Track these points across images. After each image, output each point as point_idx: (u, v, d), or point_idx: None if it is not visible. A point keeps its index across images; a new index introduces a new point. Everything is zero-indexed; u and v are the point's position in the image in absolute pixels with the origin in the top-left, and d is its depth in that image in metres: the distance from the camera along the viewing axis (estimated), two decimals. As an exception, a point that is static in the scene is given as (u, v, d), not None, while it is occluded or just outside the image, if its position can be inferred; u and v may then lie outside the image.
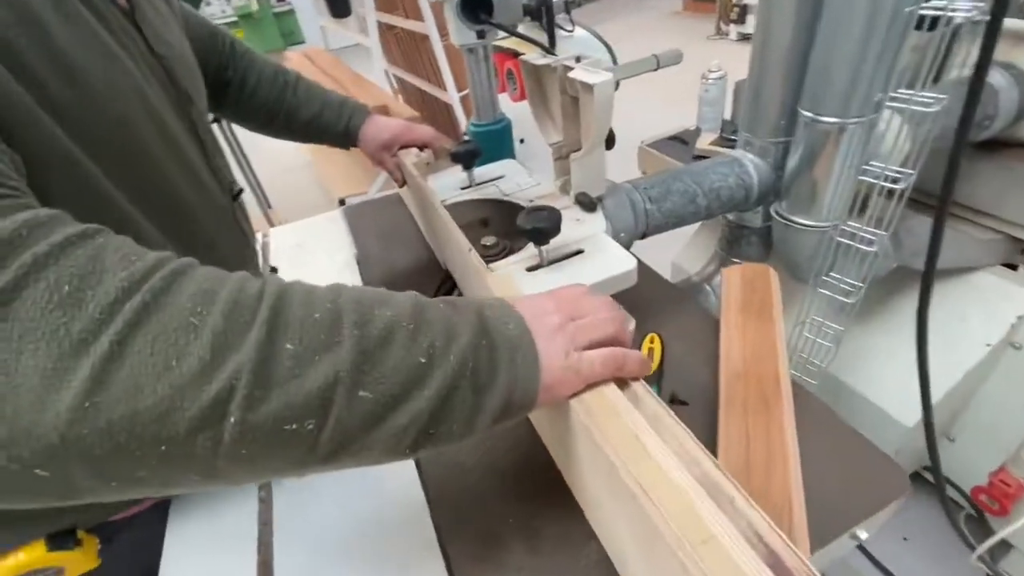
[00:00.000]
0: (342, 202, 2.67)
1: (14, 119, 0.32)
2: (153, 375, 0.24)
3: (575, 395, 0.38)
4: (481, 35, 0.81)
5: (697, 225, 1.39)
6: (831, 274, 0.79)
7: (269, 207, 2.54)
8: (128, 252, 0.27)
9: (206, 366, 0.25)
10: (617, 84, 0.64)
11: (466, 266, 0.62)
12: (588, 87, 0.55)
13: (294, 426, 0.26)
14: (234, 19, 5.28)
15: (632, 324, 0.66)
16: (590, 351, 0.37)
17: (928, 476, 1.12)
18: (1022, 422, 0.94)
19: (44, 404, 0.22)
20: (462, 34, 0.85)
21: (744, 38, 4.68)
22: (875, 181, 0.66)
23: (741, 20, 4.56)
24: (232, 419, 0.25)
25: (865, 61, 0.61)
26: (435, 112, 3.17)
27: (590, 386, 0.38)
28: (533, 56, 0.69)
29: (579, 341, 0.37)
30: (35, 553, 0.46)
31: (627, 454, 0.34)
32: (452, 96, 2.50)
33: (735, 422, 0.52)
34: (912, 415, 0.92)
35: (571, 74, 0.59)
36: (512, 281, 0.50)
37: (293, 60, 3.30)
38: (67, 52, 0.36)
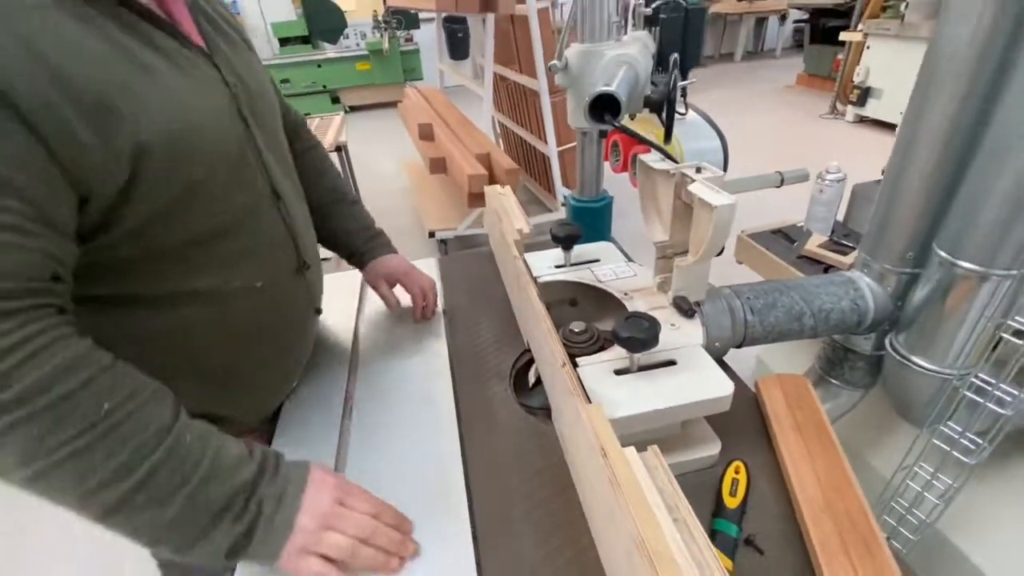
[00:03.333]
0: (432, 234, 2.81)
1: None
2: None
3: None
4: (602, 133, 0.83)
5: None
6: (950, 423, 0.71)
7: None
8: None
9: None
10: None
11: (552, 362, 0.62)
12: (709, 207, 0.55)
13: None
14: (365, 53, 5.82)
15: (717, 448, 0.63)
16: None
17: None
18: None
19: None
20: (579, 119, 0.88)
21: (861, 121, 4.47)
22: (1018, 341, 0.59)
23: (861, 103, 4.36)
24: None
25: (1022, 212, 0.56)
26: (533, 162, 3.27)
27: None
28: (651, 158, 0.69)
29: (330, 550, 0.49)
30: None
31: None
32: (552, 150, 2.58)
33: (839, 566, 0.47)
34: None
35: (691, 187, 0.59)
36: (604, 420, 0.48)
37: (411, 95, 3.56)
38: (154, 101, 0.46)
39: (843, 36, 4.53)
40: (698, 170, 0.63)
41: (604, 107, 0.73)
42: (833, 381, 0.89)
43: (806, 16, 6.51)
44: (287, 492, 0.49)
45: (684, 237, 0.67)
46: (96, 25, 0.44)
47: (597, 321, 0.73)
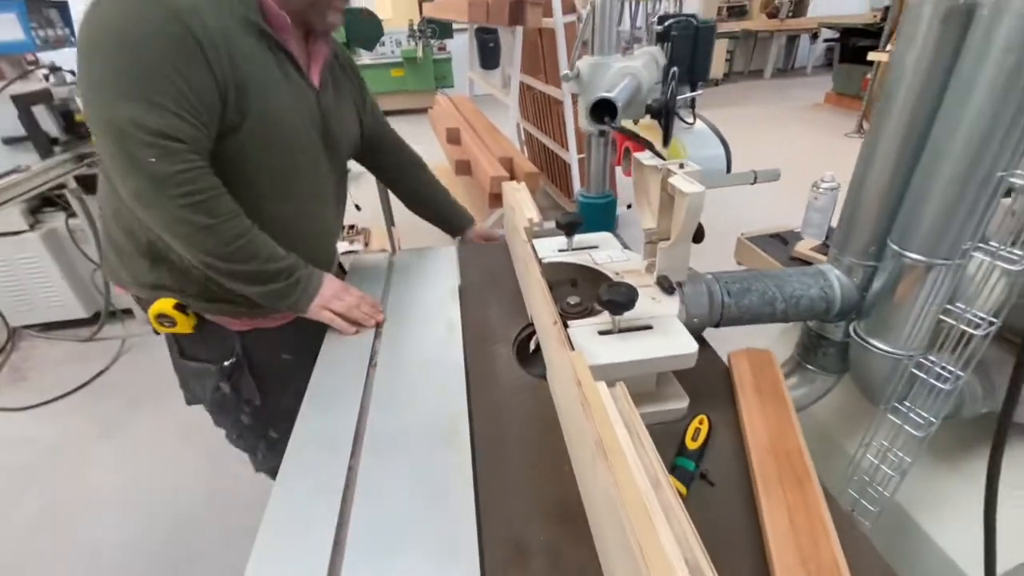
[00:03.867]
0: (454, 233, 2.95)
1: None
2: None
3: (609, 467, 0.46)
4: (603, 133, 0.95)
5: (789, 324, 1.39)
6: (904, 403, 0.79)
7: (392, 224, 2.86)
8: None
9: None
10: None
11: (547, 327, 0.73)
12: (683, 194, 0.66)
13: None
14: (399, 60, 6.06)
15: (685, 403, 0.73)
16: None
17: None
18: None
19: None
20: (586, 122, 1.00)
21: (887, 141, 4.47)
22: (955, 323, 0.68)
23: (886, 123, 4.36)
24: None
25: (956, 210, 0.65)
26: (555, 168, 3.39)
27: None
28: (643, 156, 0.80)
29: (335, 307, 0.92)
30: (168, 304, 0.92)
31: (639, 525, 0.41)
32: (572, 157, 2.69)
33: (775, 496, 0.57)
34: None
35: (670, 179, 0.70)
36: (583, 361, 0.58)
37: (441, 102, 3.72)
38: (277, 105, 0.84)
39: (871, 56, 4.54)
40: (681, 166, 0.74)
41: (603, 110, 0.84)
42: (809, 367, 0.98)
43: (837, 35, 6.51)
44: (314, 276, 0.91)
45: (668, 224, 0.78)
46: (262, 46, 0.81)
47: (591, 299, 0.84)
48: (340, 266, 1.24)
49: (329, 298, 0.91)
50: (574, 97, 2.62)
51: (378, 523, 0.59)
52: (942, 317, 0.70)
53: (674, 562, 0.38)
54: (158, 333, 0.98)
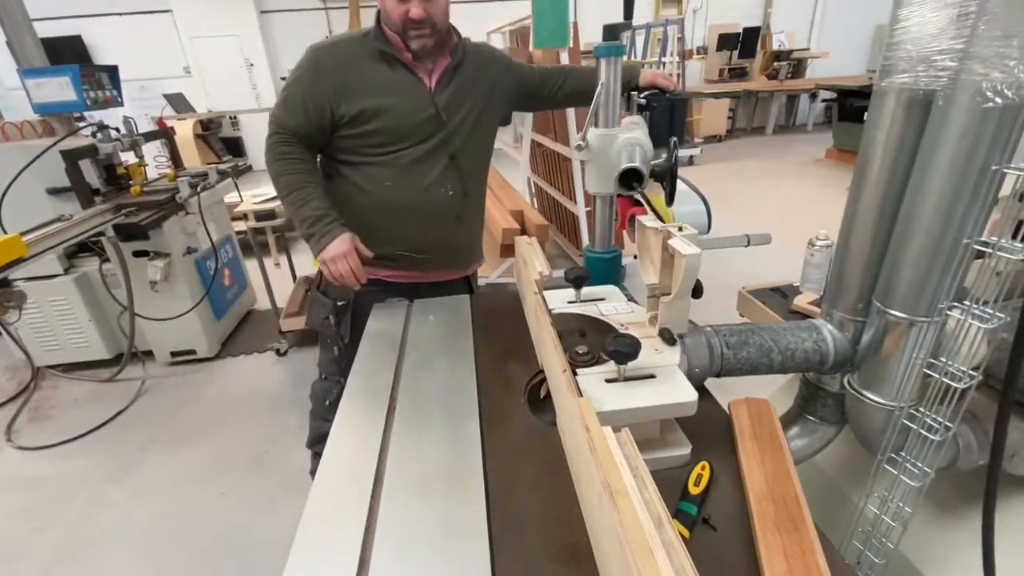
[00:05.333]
0: (465, 281, 3.04)
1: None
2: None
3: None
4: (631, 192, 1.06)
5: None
6: (901, 454, 0.82)
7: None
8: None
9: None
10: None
11: (556, 370, 0.78)
12: (681, 255, 0.73)
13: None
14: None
15: (688, 449, 0.77)
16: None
17: None
18: None
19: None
20: (600, 185, 1.09)
21: (888, 195, 4.58)
22: (939, 376, 0.72)
23: (886, 178, 4.49)
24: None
25: (930, 272, 0.71)
26: (563, 220, 3.51)
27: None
28: (646, 219, 0.88)
29: (329, 267, 1.24)
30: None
31: (642, 561, 0.45)
32: (580, 210, 2.81)
33: (772, 540, 0.61)
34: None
35: (670, 241, 0.77)
36: (591, 407, 0.64)
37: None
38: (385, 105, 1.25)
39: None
40: (680, 228, 0.82)
41: (631, 177, 0.94)
42: (809, 418, 1.01)
43: (834, 95, 6.79)
44: (327, 235, 1.21)
45: (669, 280, 0.85)
46: (383, 66, 1.22)
47: (598, 348, 0.89)
48: (468, 282, 1.57)
49: (327, 258, 1.21)
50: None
51: (397, 563, 0.63)
52: (927, 371, 0.74)
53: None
54: None
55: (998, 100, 0.60)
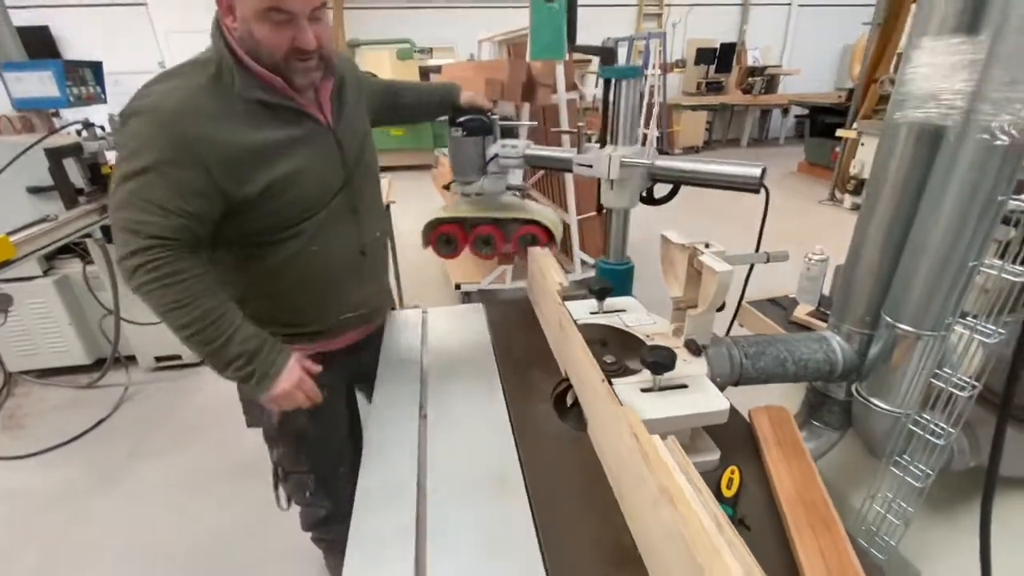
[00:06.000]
0: (457, 286, 3.06)
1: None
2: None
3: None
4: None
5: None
6: (904, 456, 0.89)
7: (399, 284, 2.95)
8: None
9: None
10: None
11: (591, 384, 0.82)
12: (713, 272, 0.77)
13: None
14: (400, 120, 6.37)
15: (717, 455, 0.82)
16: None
17: None
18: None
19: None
20: (617, 200, 1.14)
21: (857, 208, 4.80)
22: (943, 386, 0.79)
23: (857, 192, 4.72)
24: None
25: (937, 290, 0.77)
26: (552, 226, 3.56)
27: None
28: (673, 234, 0.93)
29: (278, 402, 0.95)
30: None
31: (710, 561, 0.49)
32: (572, 219, 2.86)
33: (809, 541, 0.65)
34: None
35: (701, 258, 0.82)
36: (636, 416, 0.68)
37: (444, 162, 3.94)
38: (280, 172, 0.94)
39: (839, 133, 4.95)
40: (706, 246, 0.87)
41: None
42: (815, 423, 1.08)
43: (806, 111, 7.07)
44: (273, 365, 0.92)
45: (694, 294, 0.90)
46: (267, 116, 0.92)
47: (624, 358, 0.93)
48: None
49: (279, 396, 0.93)
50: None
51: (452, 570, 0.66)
52: (932, 380, 0.81)
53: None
54: None
55: (1005, 139, 0.66)
